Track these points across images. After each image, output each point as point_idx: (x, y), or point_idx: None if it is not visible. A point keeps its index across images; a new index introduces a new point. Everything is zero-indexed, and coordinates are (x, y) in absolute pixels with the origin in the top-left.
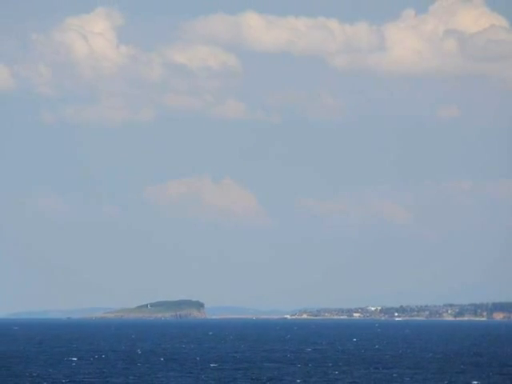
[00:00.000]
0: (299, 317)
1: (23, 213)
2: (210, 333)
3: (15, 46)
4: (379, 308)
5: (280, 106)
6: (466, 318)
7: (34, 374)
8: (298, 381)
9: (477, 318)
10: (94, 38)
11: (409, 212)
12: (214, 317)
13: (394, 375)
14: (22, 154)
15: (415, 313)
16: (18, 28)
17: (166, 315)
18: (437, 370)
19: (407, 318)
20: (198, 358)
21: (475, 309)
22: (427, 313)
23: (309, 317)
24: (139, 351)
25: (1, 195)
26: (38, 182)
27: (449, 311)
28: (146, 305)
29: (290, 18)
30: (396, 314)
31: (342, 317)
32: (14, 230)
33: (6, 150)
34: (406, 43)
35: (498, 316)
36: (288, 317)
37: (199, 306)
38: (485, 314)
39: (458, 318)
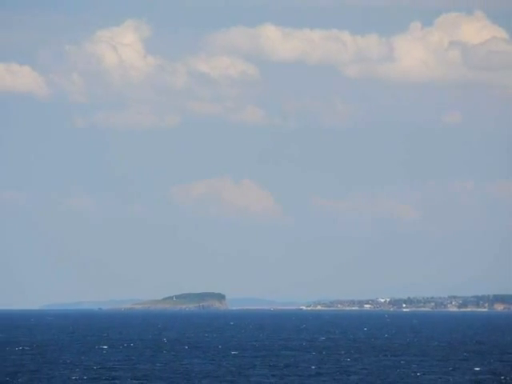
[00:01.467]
0: (314, 308)
1: (59, 211)
2: (231, 323)
3: (51, 57)
4: (388, 300)
5: (296, 112)
6: (468, 309)
7: (68, 361)
8: (313, 367)
9: (479, 309)
10: (123, 49)
11: (416, 210)
12: (234, 308)
13: (402, 362)
14: (57, 156)
15: (422, 304)
16: (53, 40)
17: (190, 306)
18: (442, 357)
19: (414, 309)
20: (219, 346)
21: (477, 300)
22: (433, 304)
23: (323, 308)
24: (165, 340)
25: (38, 195)
26: (71, 182)
27: (453, 303)
28: (172, 297)
29: (306, 30)
30: (404, 306)
31: (353, 308)
32: (50, 227)
33: (43, 153)
34: (413, 54)
35: (499, 307)
36: (303, 308)
37: (221, 297)
38: (486, 305)
39: (461, 309)
